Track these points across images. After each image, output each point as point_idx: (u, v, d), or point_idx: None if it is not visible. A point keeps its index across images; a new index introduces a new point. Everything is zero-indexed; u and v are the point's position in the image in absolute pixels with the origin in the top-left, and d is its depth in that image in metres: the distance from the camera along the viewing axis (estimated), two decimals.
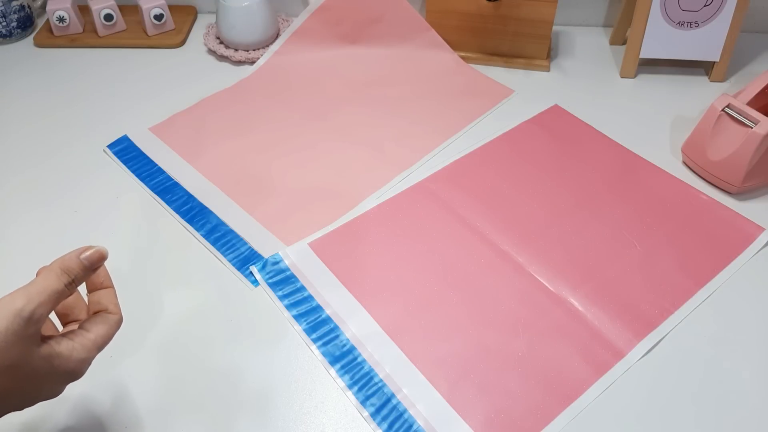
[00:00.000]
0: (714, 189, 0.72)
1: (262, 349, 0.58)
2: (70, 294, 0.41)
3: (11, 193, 0.73)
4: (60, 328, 0.47)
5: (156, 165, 0.76)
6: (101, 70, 0.91)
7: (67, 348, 0.41)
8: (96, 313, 0.44)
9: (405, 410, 0.53)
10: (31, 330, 0.38)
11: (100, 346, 0.43)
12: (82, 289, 0.46)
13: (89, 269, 0.42)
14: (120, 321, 0.45)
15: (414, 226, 0.68)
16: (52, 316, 0.46)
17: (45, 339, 0.40)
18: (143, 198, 0.72)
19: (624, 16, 0.90)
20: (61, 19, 0.93)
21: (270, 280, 0.63)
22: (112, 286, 0.46)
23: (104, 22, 0.94)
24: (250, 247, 0.66)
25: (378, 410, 0.53)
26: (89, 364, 0.43)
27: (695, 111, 0.82)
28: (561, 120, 0.81)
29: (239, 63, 0.92)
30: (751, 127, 0.66)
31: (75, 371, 0.42)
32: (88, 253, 0.42)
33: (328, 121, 0.82)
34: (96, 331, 0.43)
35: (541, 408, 0.53)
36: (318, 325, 0.59)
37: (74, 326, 0.44)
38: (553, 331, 0.58)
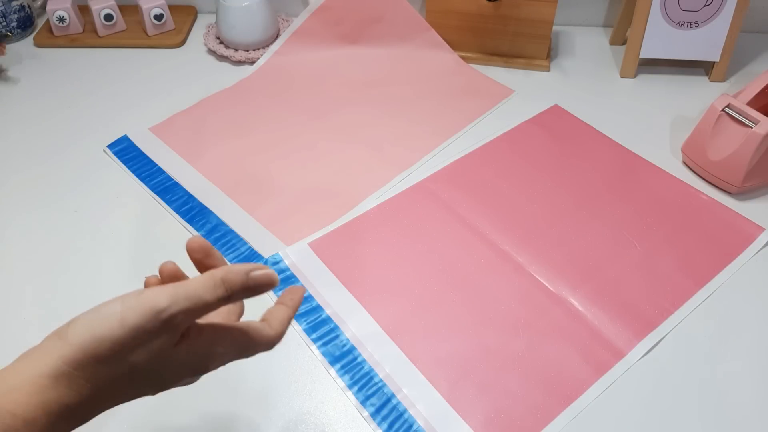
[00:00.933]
0: (714, 189, 0.72)
1: None
2: (217, 308, 0.35)
3: (11, 192, 0.73)
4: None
5: (156, 165, 0.76)
6: (101, 70, 0.91)
7: (205, 348, 0.37)
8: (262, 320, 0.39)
9: (405, 410, 0.53)
10: (164, 337, 0.34)
11: (240, 353, 0.38)
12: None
13: (252, 291, 0.36)
14: (273, 340, 0.39)
15: (414, 226, 0.68)
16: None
17: (186, 336, 0.36)
18: (143, 198, 0.72)
19: (624, 16, 0.90)
20: (61, 19, 0.93)
21: None
22: (291, 309, 0.41)
23: (104, 22, 0.94)
24: (250, 247, 0.66)
25: (378, 410, 0.53)
26: (221, 363, 0.39)
27: (695, 111, 0.82)
28: (561, 120, 0.81)
29: (239, 63, 0.92)
30: (751, 127, 0.66)
31: (204, 368, 0.38)
32: (259, 273, 0.35)
33: (328, 121, 0.82)
34: (234, 336, 0.38)
35: (541, 408, 0.53)
36: (318, 325, 0.59)
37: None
38: (553, 331, 0.58)
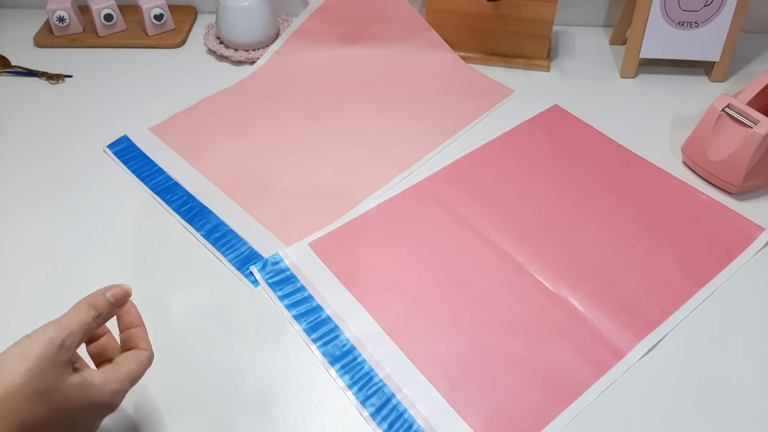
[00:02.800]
0: (714, 189, 0.72)
1: (262, 349, 0.58)
2: (98, 327, 0.44)
3: (11, 192, 0.73)
4: (94, 368, 0.48)
5: (156, 165, 0.76)
6: (101, 70, 0.91)
7: (101, 379, 0.43)
8: (128, 350, 0.47)
9: (405, 410, 0.53)
10: (63, 357, 0.41)
11: (133, 379, 0.45)
12: (115, 330, 0.49)
13: (115, 306, 0.46)
14: (151, 357, 0.47)
15: (414, 226, 0.68)
16: (87, 357, 0.48)
17: (78, 370, 0.43)
18: (143, 198, 0.72)
19: (624, 16, 0.90)
20: (61, 19, 0.93)
21: (270, 280, 0.63)
22: (142, 325, 0.48)
23: (104, 22, 0.94)
24: (250, 247, 0.66)
25: (378, 410, 0.53)
26: (123, 395, 0.45)
27: (695, 111, 0.82)
28: (561, 120, 0.81)
29: (239, 63, 0.92)
30: (751, 127, 0.66)
31: (109, 403, 0.44)
32: (113, 290, 0.46)
33: (328, 121, 0.82)
34: (128, 365, 0.45)
35: (541, 408, 0.53)
36: (318, 325, 0.59)
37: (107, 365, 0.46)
38: (553, 331, 0.58)
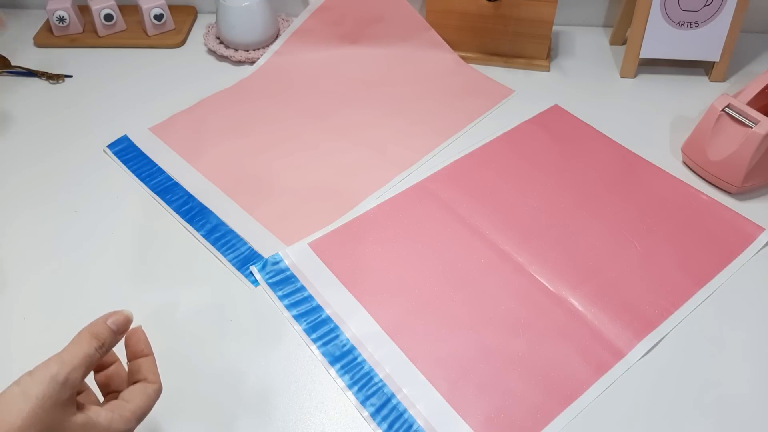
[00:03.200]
0: (714, 189, 0.72)
1: (262, 349, 0.58)
2: (101, 357, 0.42)
3: (11, 192, 0.73)
4: (101, 398, 0.47)
5: (156, 165, 0.76)
6: (101, 70, 0.91)
7: (106, 419, 0.41)
8: (135, 382, 0.45)
9: (405, 410, 0.53)
10: (66, 394, 0.39)
11: (140, 416, 0.43)
12: (123, 357, 0.47)
13: (117, 333, 0.44)
14: (159, 390, 0.45)
15: (414, 226, 0.68)
16: (94, 386, 0.47)
17: (83, 408, 0.41)
18: (143, 198, 0.72)
19: (624, 16, 0.90)
20: (61, 19, 0.93)
21: (270, 280, 0.63)
22: (151, 354, 0.46)
23: (104, 22, 0.94)
24: (250, 247, 0.66)
25: (378, 410, 0.53)
26: None
27: (695, 111, 0.82)
28: (561, 120, 0.81)
29: (239, 63, 0.92)
30: (751, 127, 0.66)
31: None
32: (113, 317, 0.44)
33: (328, 121, 0.82)
34: (135, 401, 0.43)
35: (541, 408, 0.53)
36: (318, 325, 0.59)
37: (115, 396, 0.45)
38: (553, 331, 0.58)
